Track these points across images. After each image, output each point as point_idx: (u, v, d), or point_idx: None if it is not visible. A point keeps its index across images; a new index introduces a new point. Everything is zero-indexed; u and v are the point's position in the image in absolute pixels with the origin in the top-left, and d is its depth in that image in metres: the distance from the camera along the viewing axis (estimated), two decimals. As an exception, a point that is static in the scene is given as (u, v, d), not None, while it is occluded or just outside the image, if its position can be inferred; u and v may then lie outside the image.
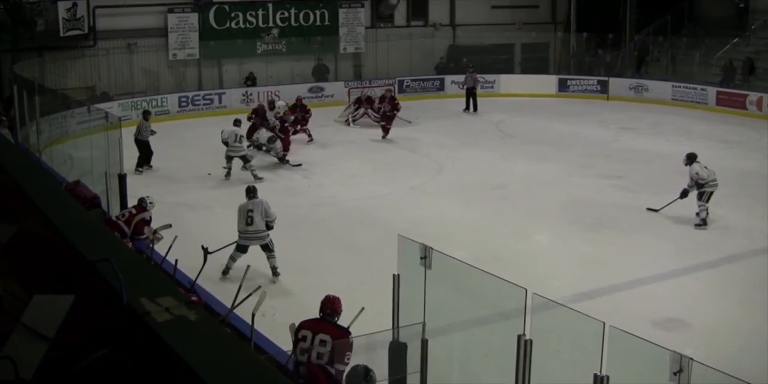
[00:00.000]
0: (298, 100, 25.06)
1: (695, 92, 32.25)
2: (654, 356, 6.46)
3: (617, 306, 12.50)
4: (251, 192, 13.96)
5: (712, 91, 31.54)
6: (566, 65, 37.75)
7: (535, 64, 37.30)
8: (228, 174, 20.00)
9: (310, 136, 24.40)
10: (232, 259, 13.57)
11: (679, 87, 33.10)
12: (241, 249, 13.66)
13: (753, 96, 30.78)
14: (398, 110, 25.69)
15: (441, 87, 33.97)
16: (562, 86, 34.91)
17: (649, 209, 17.52)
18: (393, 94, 27.38)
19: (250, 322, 8.84)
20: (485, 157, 22.81)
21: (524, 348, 7.19)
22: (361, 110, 27.06)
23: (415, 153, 23.55)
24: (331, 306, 8.40)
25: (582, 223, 17.01)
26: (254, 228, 13.58)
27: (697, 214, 16.75)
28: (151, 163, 21.12)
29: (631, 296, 13.31)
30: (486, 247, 15.10)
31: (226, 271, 13.47)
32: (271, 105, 23.41)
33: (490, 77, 33.47)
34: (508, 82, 34.32)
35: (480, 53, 35.12)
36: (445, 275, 8.37)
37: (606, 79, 34.67)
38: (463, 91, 30.94)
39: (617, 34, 36.84)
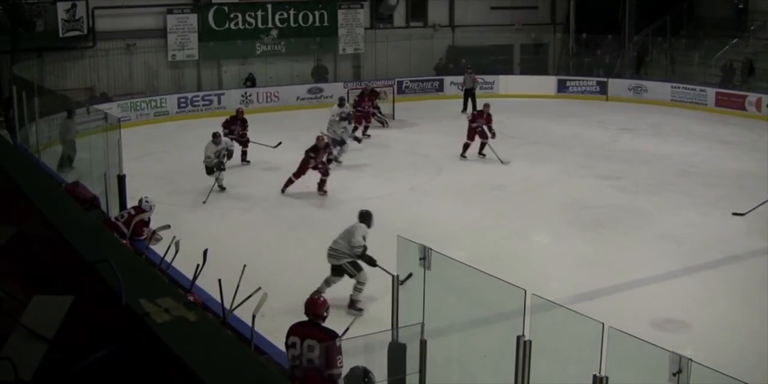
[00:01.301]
0: (239, 112, 22.91)
1: (694, 93, 32.27)
2: (653, 357, 6.46)
3: (616, 307, 12.50)
4: (360, 216, 13.15)
5: (711, 92, 31.56)
6: (565, 66, 37.78)
7: (534, 65, 37.34)
8: (221, 186, 19.11)
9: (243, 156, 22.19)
10: (326, 283, 12.91)
11: (678, 88, 33.13)
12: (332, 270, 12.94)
13: (752, 97, 30.81)
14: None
15: (440, 88, 33.98)
16: (562, 87, 34.92)
17: (735, 214, 17.37)
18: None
19: (250, 324, 8.83)
20: (484, 158, 22.82)
21: (523, 349, 7.20)
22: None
23: (414, 154, 23.55)
24: (312, 309, 8.35)
25: (581, 224, 17.02)
26: (335, 246, 12.88)
27: None
28: (150, 163, 21.11)
29: (630, 297, 13.31)
30: (485, 248, 15.11)
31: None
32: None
33: (489, 78, 33.49)
34: (507, 82, 34.34)
35: (479, 54, 35.12)
36: (445, 276, 8.38)
37: (605, 79, 34.70)
38: (461, 93, 30.94)
39: (616, 35, 36.88)
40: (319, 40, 33.40)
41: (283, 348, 8.61)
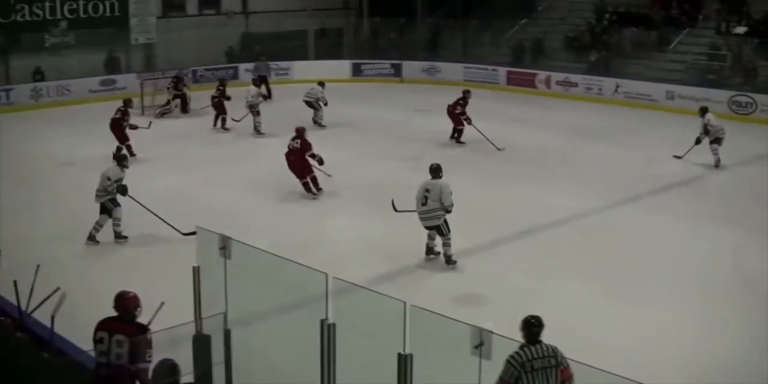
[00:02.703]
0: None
1: (486, 72, 33.14)
2: (455, 331, 6.57)
3: (418, 285, 12.75)
4: (436, 171, 14.03)
5: (502, 71, 32.50)
6: (360, 50, 38.05)
7: (328, 50, 37.42)
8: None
9: None
10: (430, 237, 14.19)
11: (471, 68, 33.98)
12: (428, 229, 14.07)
13: (542, 75, 32.03)
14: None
15: (235, 75, 33.60)
16: (357, 71, 35.19)
17: (675, 156, 20.73)
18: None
19: (49, 325, 8.58)
20: (281, 144, 22.75)
21: (327, 332, 7.23)
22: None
23: (210, 144, 23.25)
24: (121, 304, 8.16)
25: (381, 206, 17.21)
26: (427, 208, 13.85)
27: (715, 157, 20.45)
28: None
29: (430, 275, 13.58)
30: (286, 235, 15.14)
31: (429, 251, 14.27)
32: None
33: (284, 64, 33.43)
34: (302, 68, 34.31)
35: (274, 40, 35.00)
36: (246, 264, 8.31)
37: (399, 62, 35.17)
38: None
39: (409, 18, 37.44)
40: (111, 30, 32.52)
41: (85, 347, 8.40)
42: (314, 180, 18.30)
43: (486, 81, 32.63)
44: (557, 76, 31.75)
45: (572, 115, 27.65)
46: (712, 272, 13.77)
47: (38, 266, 10.01)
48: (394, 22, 37.28)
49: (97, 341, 7.95)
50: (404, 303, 6.58)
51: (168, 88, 27.67)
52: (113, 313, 8.11)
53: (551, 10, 36.84)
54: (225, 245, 8.25)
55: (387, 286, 11.90)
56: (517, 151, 21.98)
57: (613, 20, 33.66)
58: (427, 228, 14.04)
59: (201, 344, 8.58)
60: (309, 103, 25.38)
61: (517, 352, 7.29)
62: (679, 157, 21.13)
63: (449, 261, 13.95)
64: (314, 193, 18.16)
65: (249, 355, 8.61)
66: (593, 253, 14.58)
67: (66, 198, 17.92)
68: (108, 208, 15.16)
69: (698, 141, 20.57)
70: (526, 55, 34.08)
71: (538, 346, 7.42)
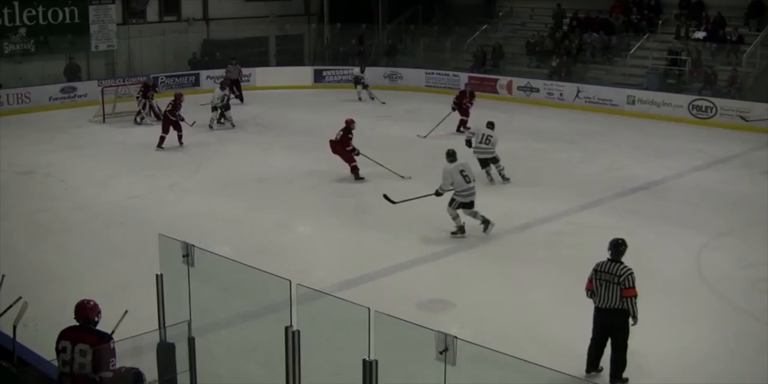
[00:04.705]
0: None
1: (448, 78, 33.26)
2: (420, 337, 6.55)
3: (382, 291, 12.72)
4: (453, 155, 15.69)
5: (464, 77, 32.52)
6: (321, 56, 38.09)
7: (290, 57, 37.48)
8: None
9: None
10: (459, 217, 15.54)
11: (432, 74, 34.14)
12: (468, 206, 15.51)
13: (503, 80, 32.15)
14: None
15: (196, 82, 33.46)
16: (318, 77, 35.16)
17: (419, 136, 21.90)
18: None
19: (11, 335, 8.50)
20: (244, 151, 22.74)
21: (292, 339, 7.20)
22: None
23: (171, 151, 23.08)
24: (82, 314, 8.06)
25: (343, 212, 17.24)
26: (473, 184, 15.54)
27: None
28: None
29: (395, 281, 13.56)
30: (249, 241, 15.12)
31: (462, 230, 15.57)
32: None
33: (246, 71, 33.25)
34: (264, 75, 34.29)
35: (235, 47, 34.94)
36: (209, 272, 8.27)
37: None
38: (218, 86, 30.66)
39: (370, 24, 37.52)
40: (71, 37, 32.29)
41: (47, 357, 8.31)
42: (354, 169, 19.79)
43: (448, 86, 32.69)
44: (519, 81, 31.91)
45: (534, 120, 27.79)
46: (676, 275, 13.84)
47: (3, 276, 9.93)
48: (356, 29, 37.32)
49: (59, 351, 7.86)
50: (368, 309, 6.57)
51: (137, 96, 27.40)
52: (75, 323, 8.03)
53: (512, 15, 37.08)
54: (188, 253, 8.20)
55: (351, 292, 11.89)
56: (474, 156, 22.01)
57: (574, 25, 33.90)
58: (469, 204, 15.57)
59: (165, 352, 8.53)
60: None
61: (600, 262, 10.00)
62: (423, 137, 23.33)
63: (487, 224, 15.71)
64: (361, 178, 19.69)
65: (214, 362, 8.57)
66: (557, 258, 14.61)
67: (25, 206, 17.75)
68: None
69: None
70: (488, 60, 34.23)
71: (616, 264, 9.89)
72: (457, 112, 25.21)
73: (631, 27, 32.83)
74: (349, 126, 19.67)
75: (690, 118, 27.01)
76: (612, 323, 9.87)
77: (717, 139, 24.48)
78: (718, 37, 30.34)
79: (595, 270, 9.94)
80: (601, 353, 10.11)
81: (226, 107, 26.17)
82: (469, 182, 15.41)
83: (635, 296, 9.73)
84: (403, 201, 16.23)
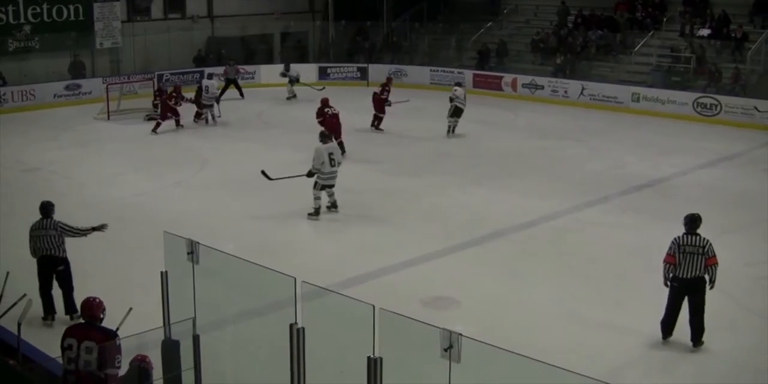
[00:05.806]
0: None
1: (453, 76, 33.14)
2: (425, 334, 6.55)
3: (387, 288, 12.72)
4: (329, 137, 16.84)
5: (468, 74, 32.55)
6: (326, 53, 38.07)
7: (294, 54, 37.42)
8: None
9: None
10: (319, 198, 16.39)
11: (437, 71, 34.09)
12: (329, 188, 16.46)
13: (508, 77, 32.15)
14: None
15: (201, 79, 33.42)
16: (323, 74, 35.11)
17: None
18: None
19: (16, 332, 8.51)
20: (249, 149, 22.73)
21: (297, 336, 7.20)
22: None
23: (177, 148, 23.11)
24: (88, 311, 8.08)
25: (349, 209, 17.20)
26: (337, 168, 16.33)
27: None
28: None
29: (400, 278, 13.55)
30: (254, 239, 15.13)
31: (318, 212, 16.41)
32: None
33: (250, 68, 33.33)
34: (268, 72, 34.20)
35: (239, 44, 34.95)
36: (214, 269, 8.27)
37: (365, 65, 35.22)
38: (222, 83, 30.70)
39: (375, 22, 37.50)
40: (75, 34, 32.29)
41: (52, 354, 8.33)
42: (377, 118, 24.33)
43: (452, 84, 32.58)
44: (523, 78, 31.88)
45: (539, 117, 27.77)
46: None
47: (8, 273, 9.95)
48: (361, 26, 37.31)
49: (65, 348, 7.87)
50: (373, 306, 6.57)
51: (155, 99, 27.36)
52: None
53: (516, 13, 37.02)
54: (193, 250, 8.19)
55: (356, 289, 11.90)
56: (484, 153, 22.06)
57: (578, 23, 33.86)
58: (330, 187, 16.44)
59: (170, 350, 8.53)
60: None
61: (678, 236, 10.87)
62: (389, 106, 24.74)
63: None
64: (380, 130, 24.10)
65: (218, 360, 8.57)
66: (562, 255, 14.63)
67: (30, 204, 17.74)
68: None
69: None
70: (492, 57, 34.19)
71: (694, 236, 10.82)
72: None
73: (636, 24, 32.77)
74: (388, 82, 24.56)
75: (695, 116, 26.99)
76: (695, 290, 10.83)
77: (721, 137, 24.48)
78: (722, 34, 30.27)
79: (678, 244, 10.78)
80: (676, 320, 11.03)
81: (216, 100, 26.61)
82: (333, 166, 16.22)
83: (717, 264, 10.80)
84: (279, 178, 17.00)
